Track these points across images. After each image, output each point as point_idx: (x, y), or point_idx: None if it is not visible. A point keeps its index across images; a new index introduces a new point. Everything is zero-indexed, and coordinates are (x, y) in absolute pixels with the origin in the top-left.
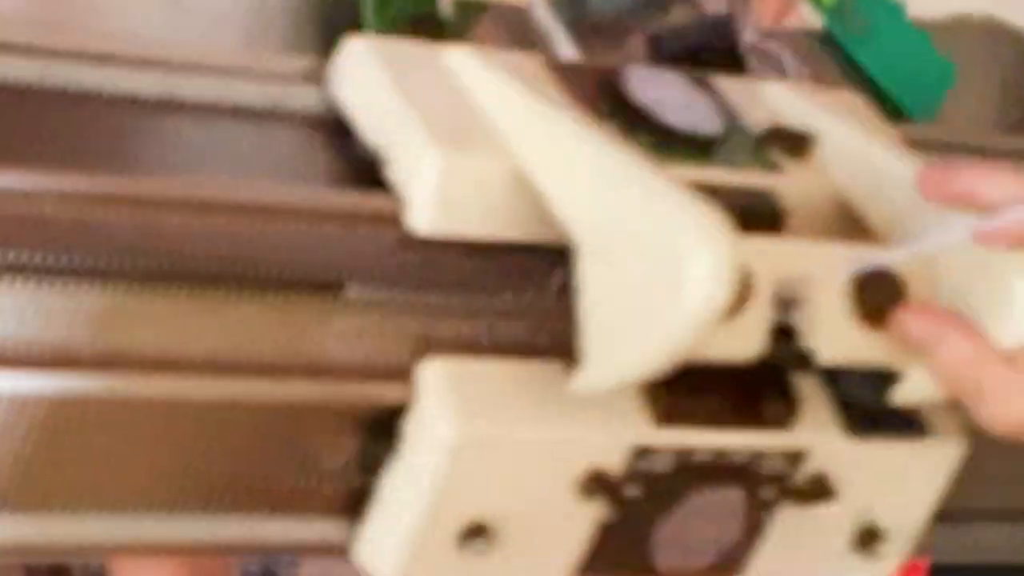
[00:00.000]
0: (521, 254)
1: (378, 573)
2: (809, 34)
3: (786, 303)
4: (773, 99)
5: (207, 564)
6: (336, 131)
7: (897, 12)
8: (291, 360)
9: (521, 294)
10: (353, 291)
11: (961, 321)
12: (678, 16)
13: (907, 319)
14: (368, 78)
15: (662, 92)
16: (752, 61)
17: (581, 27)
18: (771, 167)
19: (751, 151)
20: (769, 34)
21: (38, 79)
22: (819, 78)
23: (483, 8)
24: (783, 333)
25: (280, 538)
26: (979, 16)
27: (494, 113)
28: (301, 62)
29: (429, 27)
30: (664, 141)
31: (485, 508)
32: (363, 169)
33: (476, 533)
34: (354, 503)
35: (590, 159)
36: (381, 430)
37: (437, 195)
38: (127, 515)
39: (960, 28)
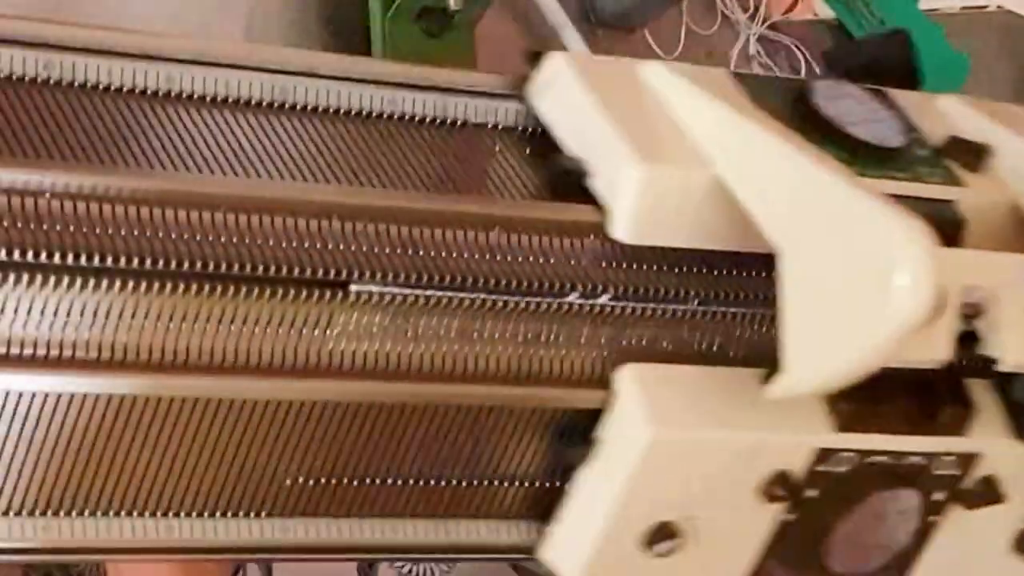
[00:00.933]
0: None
1: (565, 573)
2: (821, 25)
3: (970, 311)
4: (948, 112)
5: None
6: (539, 143)
7: (910, 3)
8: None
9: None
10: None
11: None
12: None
13: None
14: (569, 92)
15: (846, 105)
16: (760, 53)
17: (589, 20)
18: (951, 178)
19: (931, 162)
20: (780, 25)
21: (42, 71)
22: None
23: (490, 0)
24: (966, 340)
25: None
26: (993, 8)
27: (690, 125)
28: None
29: (436, 18)
30: (852, 153)
31: (672, 509)
32: (566, 180)
33: (662, 534)
34: (543, 505)
35: (790, 169)
36: (576, 434)
37: (639, 206)
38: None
39: (974, 20)
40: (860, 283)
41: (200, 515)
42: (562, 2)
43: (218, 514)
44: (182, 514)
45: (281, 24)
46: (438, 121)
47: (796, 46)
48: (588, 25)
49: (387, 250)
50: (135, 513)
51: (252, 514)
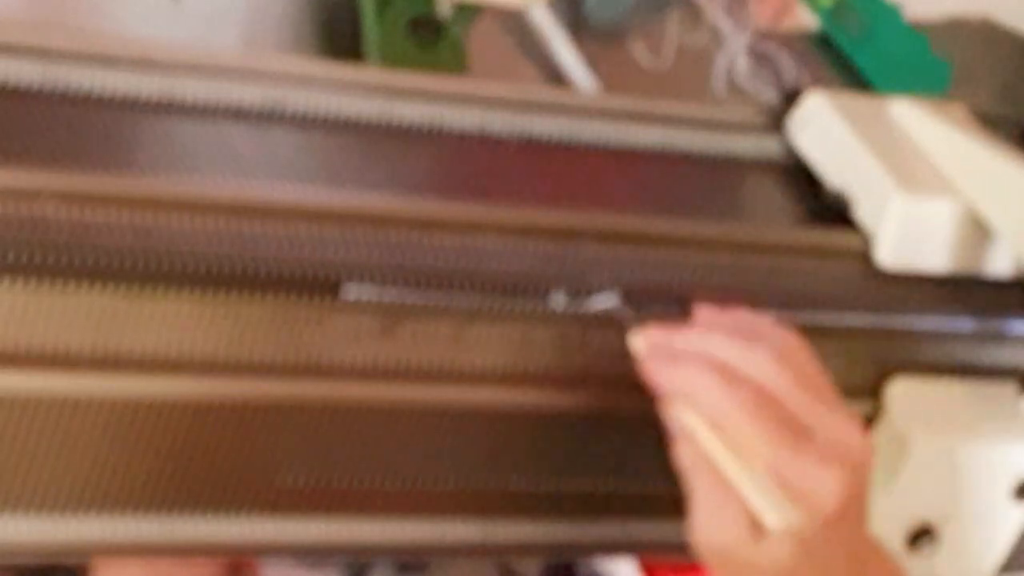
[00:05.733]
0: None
1: None
2: (806, 35)
3: None
4: None
5: (190, 567)
6: (794, 175)
7: (894, 13)
8: None
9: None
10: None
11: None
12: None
13: (650, 366)
14: (828, 128)
15: None
16: (748, 64)
17: (578, 29)
18: None
19: None
20: (766, 36)
21: (40, 80)
22: (816, 79)
23: (481, 10)
24: None
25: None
26: (975, 17)
27: (939, 156)
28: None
29: (428, 29)
30: None
31: (933, 510)
32: (825, 209)
33: (923, 533)
34: None
35: None
36: None
37: (901, 233)
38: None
39: (956, 29)
40: None
41: (194, 513)
42: (552, 11)
43: (209, 512)
44: (174, 512)
45: (277, 34)
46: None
47: (783, 56)
48: (577, 34)
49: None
50: (132, 511)
51: (243, 513)
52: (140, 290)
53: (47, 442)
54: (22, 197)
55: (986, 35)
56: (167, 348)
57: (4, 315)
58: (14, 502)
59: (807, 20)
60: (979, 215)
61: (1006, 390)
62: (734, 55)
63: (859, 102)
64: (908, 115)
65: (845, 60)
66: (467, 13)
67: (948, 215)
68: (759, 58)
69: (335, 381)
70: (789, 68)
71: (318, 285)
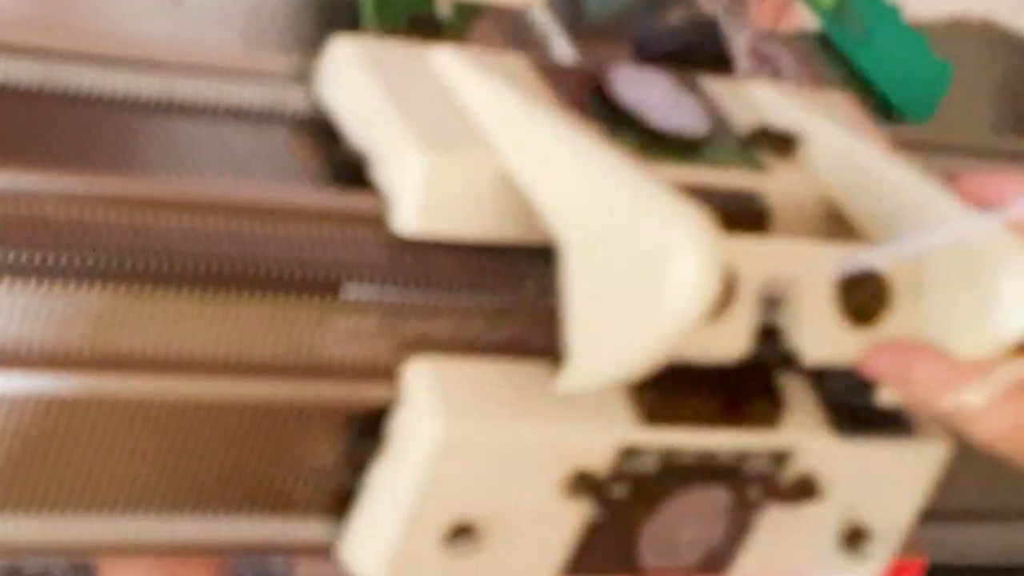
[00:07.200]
0: (509, 254)
1: (363, 572)
2: (806, 36)
3: (771, 303)
4: (759, 100)
5: (190, 567)
6: (324, 132)
7: (894, 14)
8: (284, 361)
9: (508, 294)
10: (344, 292)
11: (926, 348)
12: (673, 17)
13: (873, 359)
14: (353, 79)
15: (648, 92)
16: (748, 64)
17: (578, 28)
18: (757, 167)
19: (737, 151)
20: (766, 36)
21: (40, 81)
22: (816, 80)
23: (480, 9)
24: (768, 333)
25: (267, 538)
26: (976, 18)
27: (479, 114)
28: (292, 62)
29: (427, 27)
30: (650, 141)
31: (471, 508)
32: (349, 170)
33: (461, 532)
34: (341, 503)
35: (574, 159)
36: (368, 430)
37: (421, 196)
38: (117, 515)
39: (957, 30)
40: (639, 275)
41: (193, 513)
42: (552, 10)
43: (209, 513)
44: (174, 512)
45: (276, 33)
46: None
47: (783, 56)
48: (577, 33)
49: None
50: (128, 511)
51: (243, 513)
52: (140, 290)
53: (46, 442)
54: (22, 197)
55: (986, 35)
56: (167, 348)
57: (4, 315)
58: (15, 502)
59: (807, 20)
60: (512, 179)
61: (537, 370)
62: (734, 55)
63: (397, 52)
64: (450, 67)
65: (845, 60)
66: (467, 12)
67: (478, 178)
68: (759, 58)
69: (335, 381)
70: (789, 68)
71: (318, 285)
